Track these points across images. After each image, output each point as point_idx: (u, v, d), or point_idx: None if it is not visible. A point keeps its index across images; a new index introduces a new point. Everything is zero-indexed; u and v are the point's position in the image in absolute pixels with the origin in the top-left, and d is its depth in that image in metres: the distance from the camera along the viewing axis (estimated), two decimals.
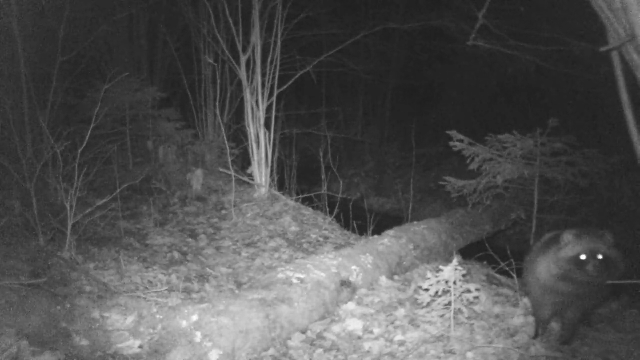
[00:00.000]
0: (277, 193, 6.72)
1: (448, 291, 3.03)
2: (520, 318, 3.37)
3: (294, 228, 5.66)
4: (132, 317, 3.19)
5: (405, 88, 13.27)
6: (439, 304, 3.12)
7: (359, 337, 3.14)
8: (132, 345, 2.91)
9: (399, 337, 3.10)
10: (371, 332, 3.20)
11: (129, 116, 6.90)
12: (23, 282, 3.21)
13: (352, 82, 12.80)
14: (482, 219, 5.83)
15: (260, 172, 6.63)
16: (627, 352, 2.99)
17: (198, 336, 2.72)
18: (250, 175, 6.74)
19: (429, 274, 3.06)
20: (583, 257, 2.68)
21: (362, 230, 5.79)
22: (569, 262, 2.72)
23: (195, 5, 8.00)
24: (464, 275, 3.05)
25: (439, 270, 3.03)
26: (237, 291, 3.85)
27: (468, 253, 5.17)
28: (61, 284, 3.51)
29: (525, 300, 3.63)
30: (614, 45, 1.69)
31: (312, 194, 6.88)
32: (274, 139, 6.92)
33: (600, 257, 2.66)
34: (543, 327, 3.16)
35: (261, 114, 6.57)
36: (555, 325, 3.26)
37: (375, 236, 4.63)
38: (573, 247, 2.72)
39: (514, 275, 3.90)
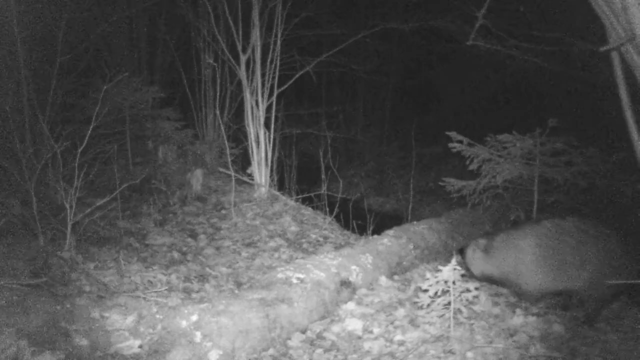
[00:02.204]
0: (277, 193, 6.72)
1: (448, 291, 3.03)
2: (520, 318, 3.36)
3: (293, 228, 5.66)
4: (132, 317, 3.19)
5: (405, 88, 13.27)
6: (438, 304, 3.12)
7: (359, 337, 3.14)
8: (132, 345, 2.91)
9: (398, 337, 3.10)
10: (371, 332, 3.20)
11: (129, 116, 6.89)
12: (23, 282, 3.21)
13: (352, 82, 12.81)
14: (481, 219, 5.83)
15: (260, 172, 6.63)
16: (627, 352, 2.99)
17: (198, 336, 2.73)
18: (250, 175, 6.74)
19: (428, 275, 3.06)
20: None
21: (362, 230, 5.79)
22: None
23: (195, 5, 8.00)
24: (463, 275, 3.04)
25: (438, 271, 3.03)
26: (237, 291, 3.85)
27: None
28: (61, 284, 3.51)
29: (523, 301, 3.63)
30: (614, 45, 1.69)
31: (312, 194, 6.88)
32: (274, 139, 6.92)
33: None
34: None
35: (261, 114, 6.57)
36: (558, 327, 3.26)
37: (375, 236, 4.63)
38: None
39: None
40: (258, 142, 6.61)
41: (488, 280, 3.58)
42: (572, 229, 3.27)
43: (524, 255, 3.34)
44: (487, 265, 3.48)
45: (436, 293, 3.05)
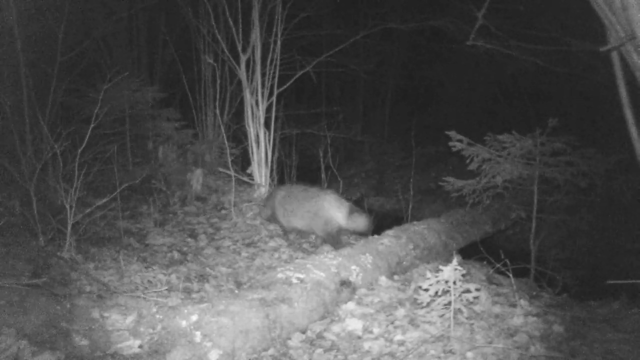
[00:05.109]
0: None
1: (448, 291, 3.03)
2: (520, 318, 3.36)
3: None
4: (132, 317, 3.19)
5: (405, 88, 13.28)
6: (438, 304, 3.12)
7: (359, 337, 3.14)
8: (132, 345, 2.91)
9: (398, 337, 3.10)
10: (371, 332, 3.20)
11: (129, 116, 6.89)
12: (23, 282, 3.21)
13: (352, 82, 12.80)
14: (482, 219, 5.83)
15: (260, 172, 6.64)
16: (627, 352, 2.99)
17: (198, 336, 2.72)
18: (250, 175, 6.74)
19: (428, 274, 3.06)
20: None
21: None
22: None
23: (195, 5, 8.00)
24: (463, 275, 3.04)
25: (438, 270, 3.02)
26: (237, 291, 3.85)
27: (468, 253, 5.17)
28: (61, 284, 3.51)
29: (522, 301, 3.63)
30: (614, 45, 1.69)
31: None
32: (274, 139, 6.92)
33: None
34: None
35: (261, 114, 6.57)
36: (558, 327, 3.26)
37: (375, 236, 4.63)
38: None
39: (510, 275, 3.90)
40: (258, 142, 6.61)
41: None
42: (299, 192, 5.27)
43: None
44: (282, 204, 5.30)
45: (436, 293, 3.05)
